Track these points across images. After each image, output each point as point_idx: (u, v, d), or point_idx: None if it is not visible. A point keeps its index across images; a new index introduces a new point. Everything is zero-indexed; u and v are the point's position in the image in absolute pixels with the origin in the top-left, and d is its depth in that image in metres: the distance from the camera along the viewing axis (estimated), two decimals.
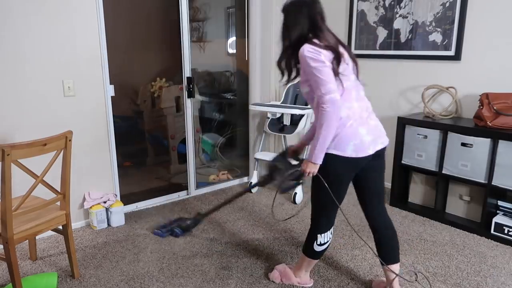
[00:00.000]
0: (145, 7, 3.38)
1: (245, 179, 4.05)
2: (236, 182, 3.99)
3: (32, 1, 2.53)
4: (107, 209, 2.98)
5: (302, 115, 3.59)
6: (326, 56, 1.75)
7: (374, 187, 2.03)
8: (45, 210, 2.20)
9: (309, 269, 2.22)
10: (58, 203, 2.25)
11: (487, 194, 2.79)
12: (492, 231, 2.79)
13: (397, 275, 2.04)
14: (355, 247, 2.68)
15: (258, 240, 2.79)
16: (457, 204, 3.11)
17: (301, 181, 2.21)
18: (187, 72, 3.41)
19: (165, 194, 3.53)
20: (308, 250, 2.09)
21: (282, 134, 3.82)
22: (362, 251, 2.63)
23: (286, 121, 3.65)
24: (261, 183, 2.41)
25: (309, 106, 3.56)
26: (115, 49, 3.03)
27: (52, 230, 2.25)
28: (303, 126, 3.58)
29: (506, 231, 2.73)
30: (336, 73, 1.76)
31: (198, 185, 3.72)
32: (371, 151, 1.86)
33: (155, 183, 3.75)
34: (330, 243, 2.08)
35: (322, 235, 2.03)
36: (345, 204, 3.39)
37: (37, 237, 2.74)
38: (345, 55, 1.84)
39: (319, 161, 1.84)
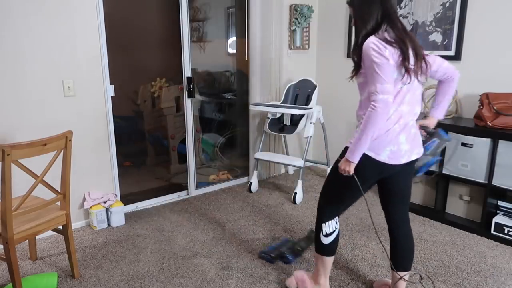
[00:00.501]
0: (145, 7, 3.39)
1: (245, 179, 4.06)
2: (236, 182, 4.00)
3: (32, 1, 2.53)
4: (107, 209, 2.98)
5: (302, 115, 3.59)
6: (391, 53, 1.64)
7: (400, 190, 1.95)
8: (45, 210, 2.20)
9: (327, 272, 2.08)
10: (58, 203, 2.25)
11: (487, 194, 2.79)
12: (492, 231, 2.79)
13: (401, 277, 2.00)
14: (355, 247, 2.68)
15: (258, 240, 2.79)
16: (457, 204, 3.11)
17: (440, 156, 2.08)
18: (187, 72, 3.41)
19: (165, 194, 3.53)
20: (317, 245, 2.03)
21: (282, 134, 3.82)
22: (362, 251, 2.63)
23: (286, 121, 3.65)
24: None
25: (309, 106, 3.56)
26: (115, 49, 3.03)
27: (52, 230, 2.25)
28: (303, 126, 3.59)
29: (506, 231, 2.73)
30: (407, 70, 1.67)
31: (198, 185, 3.72)
32: (404, 160, 1.80)
33: (155, 183, 3.75)
34: (337, 236, 1.99)
35: (327, 223, 1.96)
36: None
37: (37, 237, 2.74)
38: (410, 53, 1.70)
39: (355, 159, 1.75)
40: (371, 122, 1.67)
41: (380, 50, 1.63)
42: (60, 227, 2.28)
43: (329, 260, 2.04)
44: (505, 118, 2.70)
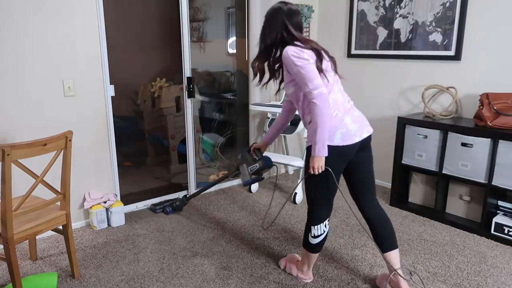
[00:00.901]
0: (145, 7, 3.39)
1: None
2: (236, 182, 3.99)
3: (32, 1, 2.53)
4: (107, 209, 2.98)
5: None
6: (308, 54, 1.88)
7: (364, 179, 2.11)
8: (45, 210, 2.20)
9: (311, 264, 2.26)
10: (58, 203, 2.25)
11: (487, 194, 2.79)
12: (492, 231, 2.79)
13: (395, 270, 2.07)
14: (355, 247, 2.68)
15: (258, 240, 2.79)
16: (457, 204, 3.11)
17: (262, 176, 2.51)
18: (187, 72, 3.41)
19: (165, 194, 3.53)
20: (305, 243, 2.19)
21: (282, 134, 3.82)
22: (362, 251, 2.63)
23: None
24: (230, 175, 2.85)
25: None
26: (115, 49, 3.03)
27: (52, 230, 2.25)
28: (303, 126, 3.58)
29: (506, 231, 2.73)
30: (320, 70, 1.89)
31: (198, 185, 3.72)
32: (357, 139, 1.96)
33: (155, 183, 3.75)
34: (325, 237, 2.13)
35: (315, 227, 2.10)
36: (344, 204, 3.39)
37: (37, 237, 2.74)
38: (324, 54, 1.97)
39: (324, 153, 1.90)
40: (319, 116, 1.84)
41: (299, 55, 1.86)
42: (60, 227, 2.28)
43: (315, 256, 2.21)
44: (505, 118, 2.70)
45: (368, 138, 2.05)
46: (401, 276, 2.07)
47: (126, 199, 3.29)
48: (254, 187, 3.72)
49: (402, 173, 3.35)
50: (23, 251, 2.63)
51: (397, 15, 3.49)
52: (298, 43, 1.93)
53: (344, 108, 1.97)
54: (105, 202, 2.99)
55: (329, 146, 1.91)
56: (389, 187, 3.72)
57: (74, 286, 2.25)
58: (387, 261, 2.12)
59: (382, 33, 3.63)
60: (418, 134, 3.13)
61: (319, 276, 2.34)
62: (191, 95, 3.46)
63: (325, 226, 2.11)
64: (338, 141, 1.93)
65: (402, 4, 3.44)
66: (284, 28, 1.96)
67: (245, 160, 2.45)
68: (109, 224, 3.02)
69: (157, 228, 2.98)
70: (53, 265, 2.47)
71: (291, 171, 4.31)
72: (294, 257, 2.43)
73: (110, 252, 2.63)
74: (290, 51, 1.88)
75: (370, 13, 3.70)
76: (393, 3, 3.50)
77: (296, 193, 3.46)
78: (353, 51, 3.90)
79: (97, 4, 2.79)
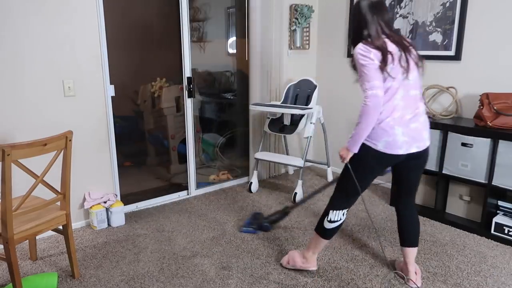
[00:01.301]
0: (145, 6, 3.39)
1: (245, 179, 4.06)
2: (236, 182, 4.00)
3: (32, 1, 2.53)
4: (107, 209, 2.98)
5: (302, 115, 3.59)
6: (375, 55, 1.87)
7: (408, 183, 2.18)
8: (45, 210, 2.20)
9: (316, 251, 2.30)
10: (58, 203, 2.25)
11: (487, 194, 2.79)
12: (492, 231, 2.79)
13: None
14: (355, 247, 2.68)
15: (258, 240, 2.79)
16: (457, 204, 3.11)
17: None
18: (187, 72, 3.41)
19: (165, 194, 3.53)
20: (318, 227, 2.23)
21: (282, 134, 3.82)
22: (362, 251, 2.63)
23: (286, 121, 3.65)
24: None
25: (309, 106, 3.56)
26: (115, 49, 3.03)
27: (52, 230, 2.25)
28: (303, 126, 3.59)
29: (506, 231, 2.73)
30: (383, 71, 1.88)
31: (198, 185, 3.72)
32: (402, 152, 1.95)
33: (155, 183, 3.75)
34: (340, 225, 2.17)
35: (334, 212, 2.14)
36: None
37: (37, 237, 2.74)
38: (396, 57, 1.90)
39: (354, 149, 1.97)
40: (364, 116, 1.88)
41: (365, 53, 1.88)
42: (60, 227, 2.28)
43: (323, 242, 2.25)
44: (505, 118, 2.70)
45: (417, 153, 2.00)
46: (411, 279, 2.18)
47: (126, 199, 3.29)
48: (254, 187, 3.72)
49: None
50: (23, 251, 2.63)
51: (397, 15, 3.49)
52: (370, 41, 1.91)
53: (400, 118, 1.92)
54: (105, 202, 2.99)
55: (371, 148, 1.96)
56: (389, 187, 3.72)
57: (74, 286, 2.25)
58: (403, 254, 2.27)
59: None
60: None
61: (319, 276, 2.34)
62: (191, 95, 3.46)
63: (343, 214, 2.16)
64: (380, 147, 1.95)
65: (402, 4, 3.44)
66: (363, 22, 1.96)
67: None
68: (109, 224, 3.02)
69: (157, 228, 2.98)
70: (53, 265, 2.47)
71: (291, 171, 4.31)
72: (294, 253, 2.43)
73: (110, 252, 2.63)
74: (359, 48, 1.90)
75: None
76: (393, 3, 3.50)
77: (296, 193, 3.46)
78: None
79: (97, 4, 2.79)
